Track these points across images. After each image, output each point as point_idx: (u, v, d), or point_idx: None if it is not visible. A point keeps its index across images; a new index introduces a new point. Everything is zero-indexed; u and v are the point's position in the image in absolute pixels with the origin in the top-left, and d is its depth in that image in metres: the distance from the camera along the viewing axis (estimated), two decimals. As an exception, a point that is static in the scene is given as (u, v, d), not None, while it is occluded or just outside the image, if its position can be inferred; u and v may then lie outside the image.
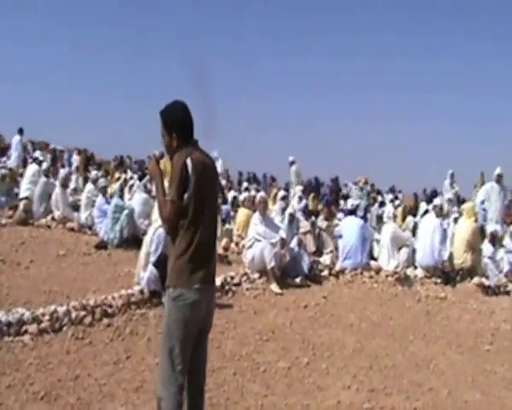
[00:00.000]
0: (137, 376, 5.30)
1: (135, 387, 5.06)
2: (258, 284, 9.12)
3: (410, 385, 5.74)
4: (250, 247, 9.56)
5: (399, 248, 10.62)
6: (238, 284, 8.91)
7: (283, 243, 9.42)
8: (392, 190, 22.17)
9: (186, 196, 3.44)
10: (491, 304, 9.07)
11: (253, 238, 9.56)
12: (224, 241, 11.08)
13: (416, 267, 10.46)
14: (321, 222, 12.04)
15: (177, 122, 3.56)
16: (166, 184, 3.58)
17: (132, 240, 10.49)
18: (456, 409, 5.32)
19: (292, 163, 19.15)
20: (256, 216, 9.77)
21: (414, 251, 10.74)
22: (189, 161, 3.44)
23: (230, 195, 14.35)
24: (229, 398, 5.11)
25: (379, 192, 21.55)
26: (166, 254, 7.57)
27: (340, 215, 14.08)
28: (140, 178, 14.79)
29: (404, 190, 22.48)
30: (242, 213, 11.99)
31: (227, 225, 12.11)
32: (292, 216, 10.63)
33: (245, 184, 17.18)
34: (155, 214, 11.53)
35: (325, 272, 10.13)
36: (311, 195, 17.97)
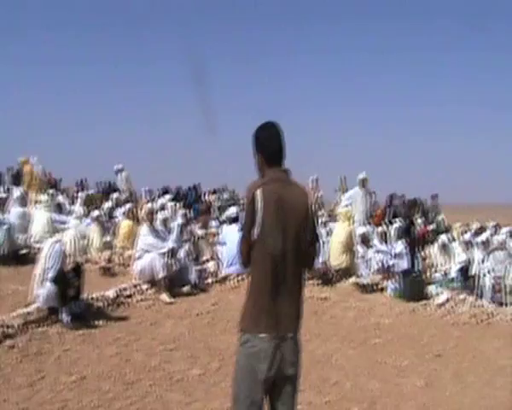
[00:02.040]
0: (57, 396, 5.19)
1: (58, 407, 4.94)
2: (149, 295, 9.14)
3: (319, 380, 6.15)
4: (139, 258, 9.51)
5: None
6: (130, 296, 8.88)
7: (173, 252, 9.51)
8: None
9: (254, 232, 3.06)
10: (369, 301, 9.76)
11: (141, 249, 9.53)
12: (107, 253, 10.88)
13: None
14: (199, 230, 12.28)
15: (263, 142, 3.23)
16: None
17: (12, 256, 9.98)
18: (363, 398, 5.80)
19: (119, 171, 17.75)
20: (144, 227, 9.72)
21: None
22: (258, 192, 3.05)
23: (106, 206, 14.04)
24: (154, 409, 5.16)
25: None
26: (64, 269, 7.42)
27: (213, 223, 14.32)
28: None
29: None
30: (125, 224, 11.82)
31: (106, 238, 11.87)
32: (185, 225, 10.77)
33: (115, 195, 16.81)
34: (34, 228, 11.11)
35: (209, 280, 10.35)
36: (181, 202, 17.97)
